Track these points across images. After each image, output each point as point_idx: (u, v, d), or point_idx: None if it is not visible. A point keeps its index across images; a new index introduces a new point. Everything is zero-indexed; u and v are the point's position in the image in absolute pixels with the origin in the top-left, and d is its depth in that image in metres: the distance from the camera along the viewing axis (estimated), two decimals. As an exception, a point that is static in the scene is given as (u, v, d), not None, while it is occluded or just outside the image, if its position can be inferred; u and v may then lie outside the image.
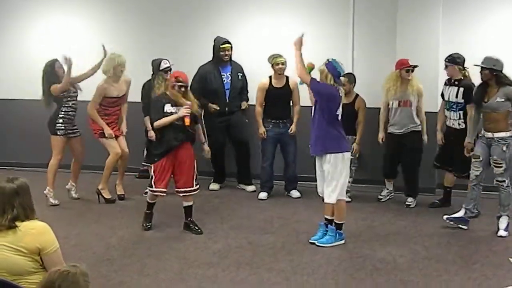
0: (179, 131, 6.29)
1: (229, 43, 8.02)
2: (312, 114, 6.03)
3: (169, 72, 7.55)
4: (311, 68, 6.12)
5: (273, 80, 7.74)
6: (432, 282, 5.07)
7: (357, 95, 7.57)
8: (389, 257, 5.64)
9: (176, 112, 6.26)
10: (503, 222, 6.30)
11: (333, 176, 5.87)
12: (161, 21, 8.94)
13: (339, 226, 6.02)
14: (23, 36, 9.59)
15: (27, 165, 9.12)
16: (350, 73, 7.62)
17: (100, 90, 7.42)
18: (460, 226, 6.46)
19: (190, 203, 6.48)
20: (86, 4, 9.31)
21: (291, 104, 7.85)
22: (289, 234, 6.32)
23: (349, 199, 7.55)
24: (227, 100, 8.05)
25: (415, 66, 7.18)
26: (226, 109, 8.06)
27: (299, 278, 5.14)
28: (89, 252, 5.81)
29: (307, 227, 6.36)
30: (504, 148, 6.21)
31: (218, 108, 8.00)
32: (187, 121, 6.23)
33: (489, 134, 6.29)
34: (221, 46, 7.97)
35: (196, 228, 6.42)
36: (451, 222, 6.46)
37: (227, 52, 7.99)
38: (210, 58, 8.14)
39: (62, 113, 7.41)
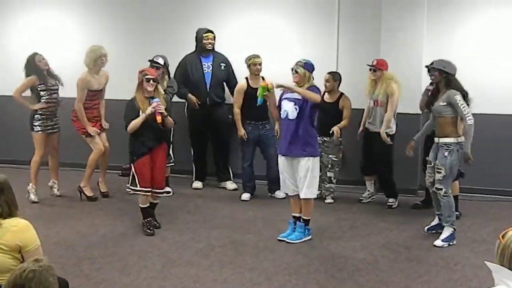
0: (156, 131, 6.31)
1: (212, 32, 8.07)
2: (285, 115, 6.05)
3: (156, 68, 7.50)
4: (271, 88, 6.18)
5: (250, 81, 7.69)
6: (414, 283, 5.09)
7: (341, 94, 7.58)
8: (370, 258, 5.66)
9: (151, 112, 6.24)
10: (444, 232, 6.12)
11: (311, 175, 5.97)
12: (149, 17, 8.93)
13: (307, 222, 6.14)
14: (3, 32, 9.53)
15: (4, 162, 9.07)
16: (336, 72, 7.66)
17: (84, 83, 7.32)
18: (441, 231, 6.49)
19: (157, 201, 6.59)
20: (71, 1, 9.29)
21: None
22: (271, 234, 6.31)
23: (332, 200, 7.61)
24: (208, 90, 8.05)
25: (374, 66, 7.16)
26: (207, 99, 8.04)
27: (281, 278, 5.14)
28: (70, 250, 5.76)
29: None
30: (446, 154, 6.01)
31: (198, 101, 7.99)
32: (158, 119, 6.18)
33: (436, 139, 6.19)
34: (204, 35, 8.03)
35: (156, 223, 6.48)
36: (433, 231, 6.44)
37: (210, 41, 8.04)
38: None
39: (40, 109, 7.32)
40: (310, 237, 6.15)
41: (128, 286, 4.95)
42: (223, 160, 8.37)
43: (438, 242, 6.05)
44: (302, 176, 6.01)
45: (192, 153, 8.40)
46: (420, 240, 6.21)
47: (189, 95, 8.04)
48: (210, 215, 7.04)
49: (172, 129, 7.78)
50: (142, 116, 6.20)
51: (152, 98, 6.26)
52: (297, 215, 6.21)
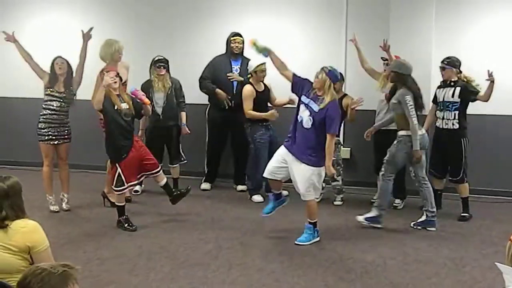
0: (129, 128, 6.46)
1: (240, 36, 8.13)
2: (300, 120, 5.99)
3: (162, 67, 7.52)
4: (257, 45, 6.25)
5: (255, 86, 7.65)
6: (422, 284, 5.08)
7: (345, 94, 7.57)
8: (379, 259, 5.65)
9: (126, 108, 6.39)
10: (371, 213, 6.66)
11: (308, 182, 5.95)
12: (161, 20, 8.97)
13: (314, 224, 6.13)
14: (17, 35, 9.57)
15: (22, 164, 9.11)
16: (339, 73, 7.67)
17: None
18: (428, 228, 6.56)
19: (165, 180, 6.70)
20: (82, 2, 9.30)
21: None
22: (279, 236, 6.33)
23: (341, 202, 7.60)
24: (234, 93, 8.04)
25: (386, 59, 7.25)
26: (232, 102, 8.03)
27: (289, 279, 5.14)
28: (80, 251, 5.79)
29: (298, 228, 6.35)
30: (395, 142, 6.57)
31: (228, 98, 7.96)
32: (147, 101, 6.50)
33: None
34: (231, 38, 8.12)
35: (184, 190, 6.78)
36: (419, 227, 6.57)
37: (237, 44, 8.10)
38: (208, 57, 8.25)
39: (42, 116, 7.04)
40: (318, 238, 6.15)
41: (137, 287, 4.96)
42: (243, 165, 8.33)
43: (360, 218, 6.60)
44: (297, 178, 5.98)
45: (207, 155, 8.41)
46: (428, 241, 6.19)
47: (217, 90, 7.99)
48: (219, 217, 7.05)
49: (179, 128, 7.81)
50: (102, 89, 6.33)
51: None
52: (276, 192, 6.30)
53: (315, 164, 5.94)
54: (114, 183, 6.41)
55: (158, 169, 6.67)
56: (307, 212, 6.13)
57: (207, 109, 8.31)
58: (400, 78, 6.50)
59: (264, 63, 7.62)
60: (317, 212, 6.15)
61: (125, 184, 6.40)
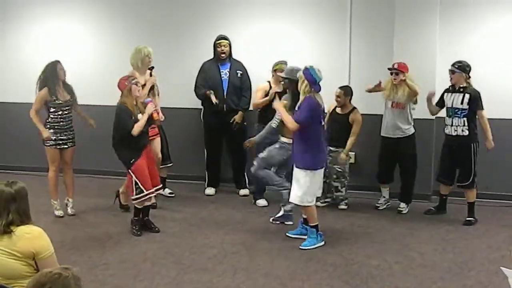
0: (144, 132, 6.44)
1: (225, 39, 8.05)
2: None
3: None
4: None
5: (272, 85, 7.69)
6: (428, 289, 5.08)
7: (354, 108, 7.48)
8: (384, 264, 5.64)
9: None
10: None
11: (297, 184, 6.03)
12: (161, 24, 8.98)
13: (316, 228, 6.14)
14: (19, 40, 9.61)
15: (27, 169, 9.13)
16: (347, 86, 7.61)
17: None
18: (286, 223, 6.84)
19: (152, 201, 6.78)
20: (82, 8, 9.33)
21: None
22: (285, 240, 6.32)
23: (345, 206, 7.58)
24: (225, 96, 8.01)
25: (396, 69, 7.10)
26: (224, 106, 8.02)
27: (294, 284, 5.13)
28: (85, 256, 5.79)
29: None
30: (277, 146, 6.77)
31: (216, 100, 7.91)
32: (155, 116, 6.51)
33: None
34: (216, 42, 8.04)
35: (154, 226, 6.62)
36: (277, 222, 6.87)
37: (223, 48, 8.00)
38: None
39: (49, 123, 7.03)
40: (323, 243, 6.14)
41: (142, 292, 4.97)
42: (241, 169, 8.34)
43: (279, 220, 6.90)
44: (293, 183, 6.09)
45: (206, 159, 8.40)
46: (434, 246, 6.18)
47: (207, 92, 7.94)
48: (223, 221, 7.04)
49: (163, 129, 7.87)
50: (144, 117, 6.31)
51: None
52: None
53: (305, 166, 5.96)
54: (134, 192, 6.39)
55: (160, 185, 6.77)
56: (307, 217, 6.18)
57: (202, 113, 8.30)
58: (293, 84, 6.26)
59: (283, 63, 7.51)
60: (315, 216, 6.14)
61: (144, 191, 6.36)
